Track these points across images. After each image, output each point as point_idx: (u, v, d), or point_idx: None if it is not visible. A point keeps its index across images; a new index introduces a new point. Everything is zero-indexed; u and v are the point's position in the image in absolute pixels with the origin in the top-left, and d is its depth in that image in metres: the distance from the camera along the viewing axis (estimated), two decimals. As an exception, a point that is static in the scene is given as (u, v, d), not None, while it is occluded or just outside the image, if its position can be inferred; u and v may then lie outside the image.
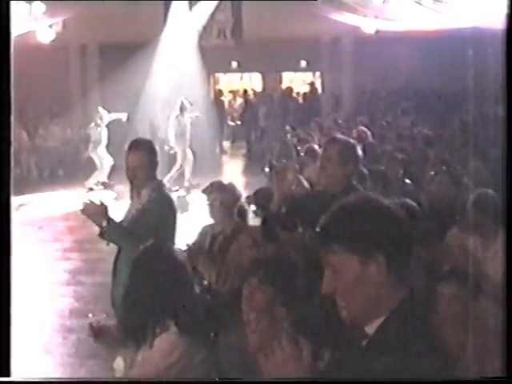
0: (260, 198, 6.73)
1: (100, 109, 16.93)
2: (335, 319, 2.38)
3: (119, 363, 4.24)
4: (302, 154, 10.71)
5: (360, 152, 5.15)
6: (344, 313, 2.33)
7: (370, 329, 2.29)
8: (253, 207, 6.78)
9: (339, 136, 5.83)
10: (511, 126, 2.86)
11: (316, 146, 10.18)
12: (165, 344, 3.92)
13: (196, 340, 3.91)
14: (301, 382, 2.22)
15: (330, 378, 2.06)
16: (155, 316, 3.95)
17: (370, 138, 12.12)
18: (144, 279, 3.99)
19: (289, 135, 14.60)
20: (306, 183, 6.47)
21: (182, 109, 16.81)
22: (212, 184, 5.73)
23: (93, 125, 16.71)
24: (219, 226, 5.54)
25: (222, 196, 5.52)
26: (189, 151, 16.67)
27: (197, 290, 4.25)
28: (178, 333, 3.90)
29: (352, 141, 5.37)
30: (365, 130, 12.52)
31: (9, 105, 2.98)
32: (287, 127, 15.76)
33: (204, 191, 5.69)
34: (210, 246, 5.45)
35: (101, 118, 16.63)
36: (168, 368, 3.92)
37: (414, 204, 5.85)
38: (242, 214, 5.81)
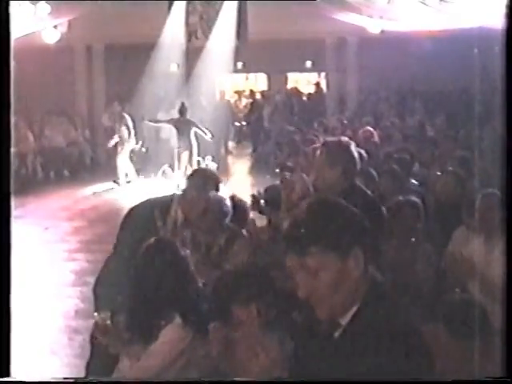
0: (270, 195, 6.70)
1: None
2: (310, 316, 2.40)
3: (125, 363, 4.25)
4: (307, 154, 10.70)
5: (355, 152, 5.11)
6: (320, 311, 2.35)
7: (344, 319, 2.31)
8: (262, 204, 6.74)
9: (329, 139, 5.77)
10: (511, 126, 2.86)
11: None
12: (170, 336, 3.98)
13: (200, 332, 3.95)
14: (300, 382, 2.22)
15: (330, 378, 2.06)
16: (160, 309, 4.00)
17: (376, 138, 12.12)
18: (148, 273, 4.07)
19: (294, 135, 14.58)
20: (311, 188, 6.45)
21: (182, 111, 16.72)
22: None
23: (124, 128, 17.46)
24: (212, 235, 5.39)
25: (213, 207, 5.32)
26: (194, 153, 16.59)
27: (199, 283, 4.29)
28: (183, 324, 3.95)
29: (344, 142, 5.28)
30: (371, 130, 12.51)
31: (8, 105, 2.97)
32: (292, 128, 15.74)
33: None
34: (205, 254, 5.35)
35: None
36: (174, 359, 3.96)
37: (419, 201, 5.86)
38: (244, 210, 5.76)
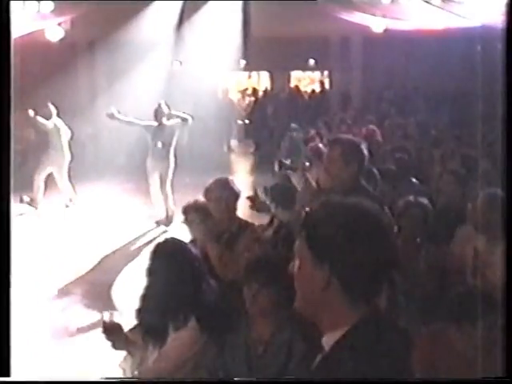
0: (276, 193, 6.70)
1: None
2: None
3: (127, 362, 4.25)
4: (309, 152, 10.70)
5: (365, 151, 5.13)
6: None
7: (327, 342, 2.16)
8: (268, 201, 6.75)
9: (342, 136, 5.79)
10: (511, 126, 2.86)
11: (322, 145, 10.16)
12: (185, 339, 3.94)
13: (213, 335, 3.93)
14: (300, 382, 2.20)
15: (330, 378, 2.04)
16: (174, 311, 3.97)
17: (379, 137, 12.12)
18: (161, 273, 4.03)
19: (296, 133, 14.57)
20: (314, 184, 6.46)
21: (158, 113, 12.68)
22: (215, 182, 5.74)
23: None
24: (224, 223, 5.53)
25: (224, 194, 5.55)
26: (171, 160, 12.78)
27: (213, 283, 4.26)
28: (198, 328, 3.91)
29: (356, 140, 5.33)
30: (374, 128, 12.50)
31: (9, 105, 2.98)
32: (295, 125, 15.71)
33: (207, 189, 5.70)
34: (216, 242, 5.44)
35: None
36: (185, 362, 3.94)
37: (427, 202, 5.85)
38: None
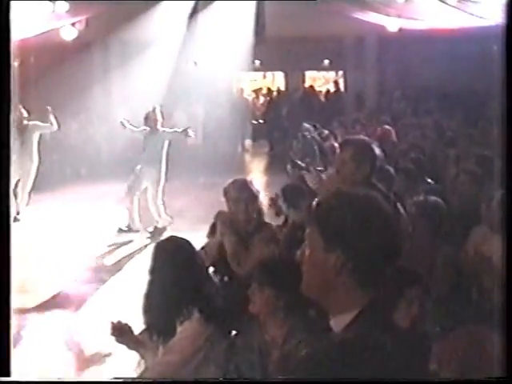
0: (288, 194, 6.71)
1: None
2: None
3: (141, 367, 4.27)
4: (324, 152, 10.70)
5: (377, 150, 5.12)
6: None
7: (336, 324, 2.24)
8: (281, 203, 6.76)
9: (352, 137, 5.78)
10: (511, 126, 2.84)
11: (337, 145, 10.14)
12: (189, 331, 3.97)
13: (218, 328, 3.96)
14: (300, 382, 2.20)
15: (330, 378, 2.05)
16: (178, 307, 4.00)
17: (394, 137, 12.09)
18: (163, 270, 4.08)
19: (311, 133, 14.55)
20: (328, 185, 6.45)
21: (149, 118, 11.95)
22: (233, 182, 5.74)
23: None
24: (242, 223, 5.54)
25: (242, 194, 5.55)
26: (162, 171, 11.88)
27: (216, 279, 4.32)
28: (202, 320, 3.95)
29: (367, 140, 5.32)
30: (389, 128, 12.47)
31: (9, 104, 2.99)
32: (309, 125, 15.70)
33: (226, 189, 5.70)
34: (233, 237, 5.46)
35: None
36: (192, 355, 3.95)
37: (440, 201, 5.81)
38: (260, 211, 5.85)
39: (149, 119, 11.93)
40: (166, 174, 11.95)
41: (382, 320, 2.20)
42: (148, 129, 11.89)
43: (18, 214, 12.52)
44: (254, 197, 5.61)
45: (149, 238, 11.37)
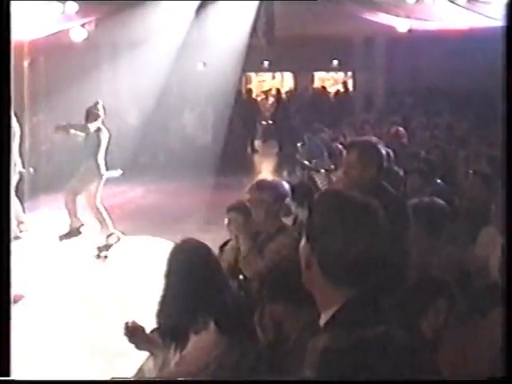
0: (297, 193, 6.67)
1: None
2: None
3: (150, 363, 4.25)
4: (333, 153, 10.68)
5: (384, 151, 5.10)
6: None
7: (322, 321, 2.25)
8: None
9: (358, 139, 5.75)
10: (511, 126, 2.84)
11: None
12: (205, 342, 3.90)
13: (234, 338, 3.90)
14: (300, 382, 2.20)
15: (329, 378, 2.03)
16: (193, 314, 3.92)
17: (404, 137, 12.06)
18: (179, 277, 3.98)
19: (318, 134, 14.55)
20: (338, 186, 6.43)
21: (89, 113, 10.90)
22: (256, 183, 5.61)
23: None
24: (262, 225, 5.42)
25: (264, 196, 5.38)
26: (100, 170, 10.94)
27: (233, 286, 4.22)
28: (218, 331, 3.87)
29: (373, 141, 5.27)
30: (400, 129, 12.43)
31: (9, 105, 2.99)
32: (317, 126, 15.69)
33: (248, 191, 5.56)
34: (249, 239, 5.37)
35: None
36: (206, 365, 3.90)
37: (439, 202, 5.78)
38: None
39: (89, 114, 10.89)
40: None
41: (358, 322, 2.11)
42: (88, 129, 10.78)
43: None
44: (276, 198, 5.43)
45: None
